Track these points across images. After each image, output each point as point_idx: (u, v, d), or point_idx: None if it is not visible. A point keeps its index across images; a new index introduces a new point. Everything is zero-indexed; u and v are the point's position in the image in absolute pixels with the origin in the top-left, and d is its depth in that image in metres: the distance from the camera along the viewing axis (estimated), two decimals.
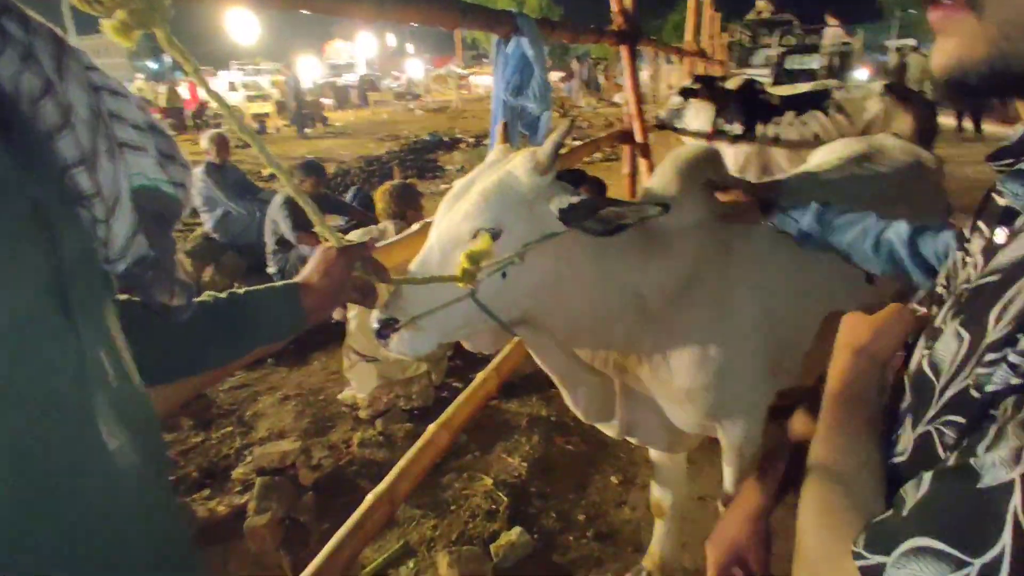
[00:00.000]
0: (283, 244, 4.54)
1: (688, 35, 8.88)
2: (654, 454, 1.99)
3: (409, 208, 3.49)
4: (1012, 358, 0.48)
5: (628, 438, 1.80)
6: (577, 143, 4.68)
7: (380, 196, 3.51)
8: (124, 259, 0.63)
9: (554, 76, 22.27)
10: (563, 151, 3.55)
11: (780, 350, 1.66)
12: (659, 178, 1.67)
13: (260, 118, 17.84)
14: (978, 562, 0.43)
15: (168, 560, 0.64)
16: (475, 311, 1.31)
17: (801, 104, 3.93)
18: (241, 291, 0.98)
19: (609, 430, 1.76)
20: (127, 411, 0.59)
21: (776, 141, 3.88)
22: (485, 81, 22.02)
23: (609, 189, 3.69)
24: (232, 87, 20.32)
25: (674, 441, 1.80)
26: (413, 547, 2.28)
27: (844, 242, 1.36)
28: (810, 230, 1.40)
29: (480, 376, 2.32)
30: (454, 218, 1.34)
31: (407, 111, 21.61)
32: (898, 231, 1.25)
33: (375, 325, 1.30)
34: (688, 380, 1.57)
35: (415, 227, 2.05)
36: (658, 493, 2.02)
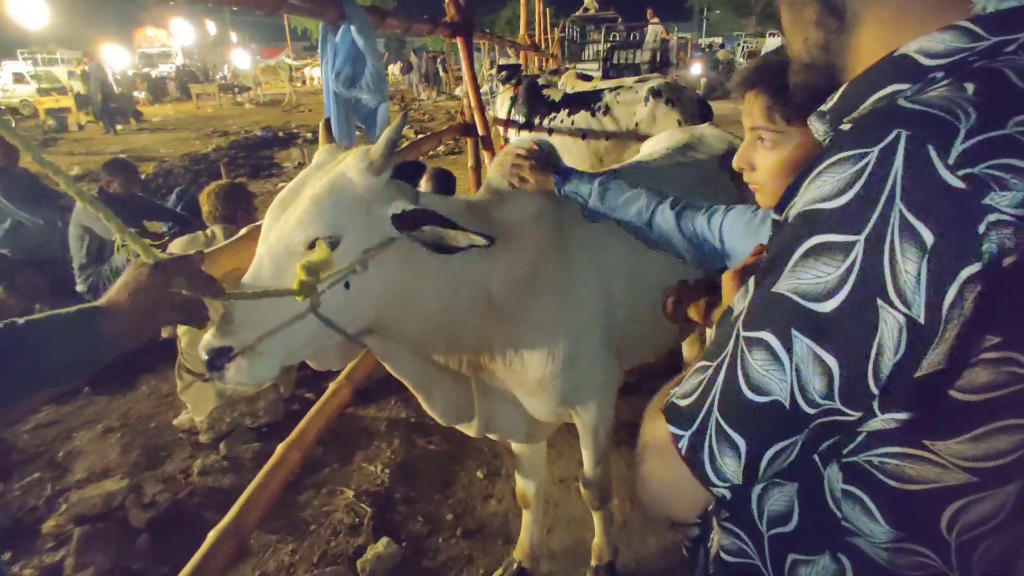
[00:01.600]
0: (94, 258, 4.01)
1: (522, 29, 9.09)
2: (515, 446, 2.00)
3: (239, 210, 3.21)
4: (773, 216, 0.68)
5: (488, 435, 1.79)
6: (420, 136, 4.61)
7: (206, 198, 3.19)
8: None
9: (393, 69, 21.85)
10: (403, 145, 3.46)
11: (622, 332, 1.73)
12: (494, 173, 1.66)
13: (58, 114, 15.67)
14: (713, 364, 0.62)
15: None
16: (319, 327, 1.21)
17: (574, 104, 4.48)
18: (21, 321, 0.82)
19: (468, 430, 1.73)
20: None
21: (550, 133, 4.49)
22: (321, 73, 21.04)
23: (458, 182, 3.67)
24: (18, 79, 17.69)
25: (532, 431, 1.82)
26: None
27: (625, 220, 1.46)
28: (594, 207, 1.48)
29: (332, 386, 2.19)
30: (284, 227, 1.22)
31: (235, 105, 20.11)
32: (664, 213, 1.39)
33: (205, 356, 1.16)
34: (540, 370, 1.58)
35: (244, 231, 1.87)
36: (522, 484, 2.04)
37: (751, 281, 0.62)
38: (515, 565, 2.06)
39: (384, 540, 2.18)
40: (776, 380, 0.55)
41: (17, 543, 2.29)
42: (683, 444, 0.62)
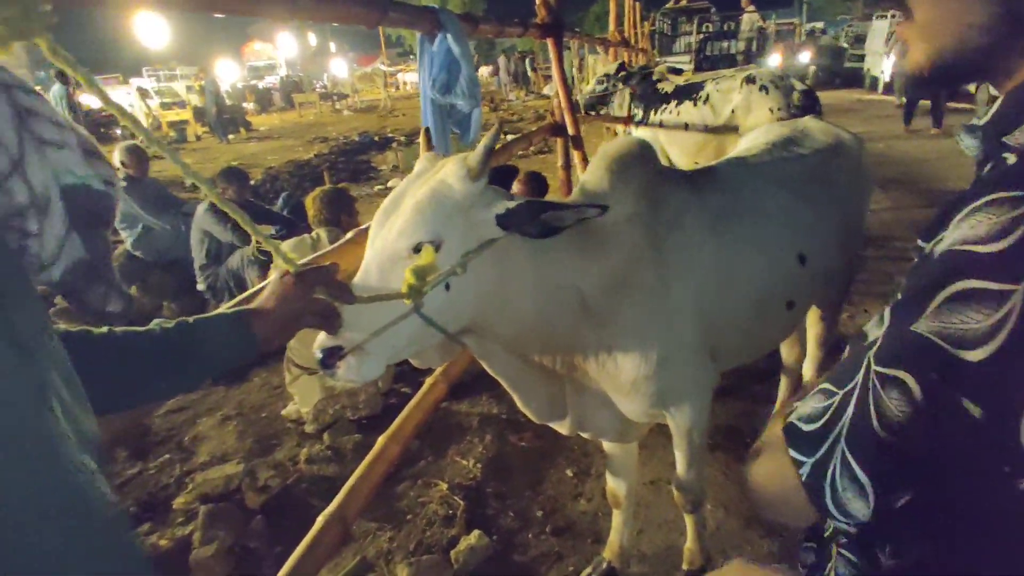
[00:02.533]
0: (213, 259, 4.35)
1: (611, 25, 9.00)
2: (607, 445, 2.01)
3: (343, 214, 3.40)
4: (919, 243, 0.62)
5: (580, 433, 1.81)
6: (510, 137, 4.68)
7: (311, 203, 3.40)
8: (58, 263, 0.60)
9: (483, 71, 22.21)
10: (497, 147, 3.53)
11: (718, 333, 1.70)
12: (591, 174, 1.68)
13: (178, 126, 17.06)
14: (841, 392, 0.59)
15: None
16: (422, 327, 1.28)
17: (682, 95, 4.46)
18: (191, 320, 0.92)
19: (561, 428, 1.76)
20: (89, 441, 0.55)
21: (660, 126, 4.49)
22: (414, 78, 21.74)
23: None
24: (144, 94, 19.35)
25: (625, 431, 1.82)
26: (371, 561, 2.23)
27: None
28: None
29: (428, 382, 2.29)
30: (388, 235, 1.30)
31: (334, 112, 21.12)
32: None
33: (319, 355, 1.25)
34: (633, 372, 1.58)
35: (349, 235, 1.99)
36: (613, 483, 2.04)
37: (887, 311, 0.59)
38: (604, 564, 2.07)
39: (476, 533, 2.25)
40: (911, 425, 0.52)
41: (153, 516, 2.54)
42: (804, 471, 0.61)
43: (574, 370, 1.65)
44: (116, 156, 5.07)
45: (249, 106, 21.76)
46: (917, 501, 0.56)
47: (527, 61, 21.09)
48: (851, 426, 0.57)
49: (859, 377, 0.58)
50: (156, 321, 0.89)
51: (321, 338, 1.25)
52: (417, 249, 1.27)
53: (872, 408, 0.55)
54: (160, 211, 4.98)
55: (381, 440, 1.91)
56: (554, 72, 4.04)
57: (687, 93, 4.43)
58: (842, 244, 2.04)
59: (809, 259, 1.86)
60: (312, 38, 41.52)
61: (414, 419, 2.04)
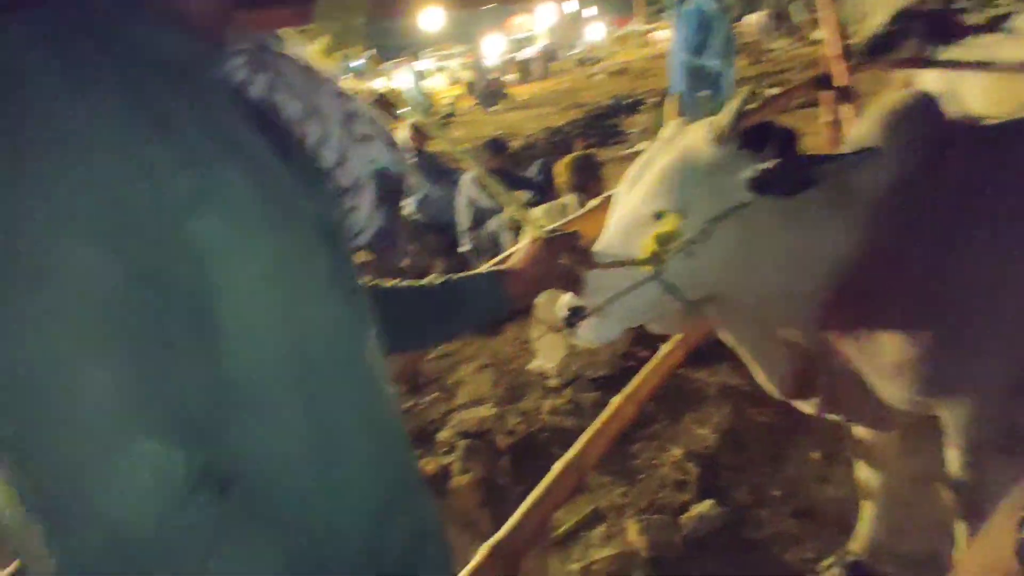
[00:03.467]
0: (475, 223, 4.83)
1: None
2: (861, 430, 1.84)
3: (590, 180, 3.51)
4: None
5: (829, 415, 1.68)
6: (769, 94, 4.33)
7: (560, 170, 3.58)
8: (366, 232, 0.77)
9: (752, 18, 20.49)
10: (752, 106, 3.31)
11: (1017, 322, 1.42)
12: (860, 129, 1.51)
13: (451, 102, 18.94)
14: None
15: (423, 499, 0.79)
16: (661, 294, 1.30)
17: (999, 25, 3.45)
18: (454, 278, 1.08)
19: (807, 407, 1.66)
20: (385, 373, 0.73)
21: (963, 65, 3.43)
22: (668, 35, 21.00)
23: (805, 139, 3.37)
24: (427, 74, 21.72)
25: (883, 418, 1.65)
26: (603, 512, 2.36)
27: None
28: None
29: (665, 347, 2.30)
30: (633, 200, 1.34)
31: (588, 77, 21.45)
32: None
33: (563, 313, 1.35)
34: (898, 354, 1.42)
35: (594, 202, 2.07)
36: (865, 472, 1.87)
37: None
38: (851, 557, 1.92)
39: (709, 501, 2.23)
40: None
41: (421, 445, 2.99)
42: None
43: (825, 346, 1.53)
44: (404, 131, 5.84)
45: (510, 77, 23.12)
46: None
47: (792, 4, 18.92)
48: None
49: None
50: (429, 277, 1.07)
51: (566, 298, 1.35)
52: (660, 216, 1.29)
53: None
54: (436, 180, 5.66)
55: (617, 399, 1.99)
56: (824, 11, 3.59)
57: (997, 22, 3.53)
58: None
59: None
60: (571, 4, 42.29)
61: (650, 382, 2.09)
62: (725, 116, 1.26)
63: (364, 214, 0.76)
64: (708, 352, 3.13)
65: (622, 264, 1.29)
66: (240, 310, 0.55)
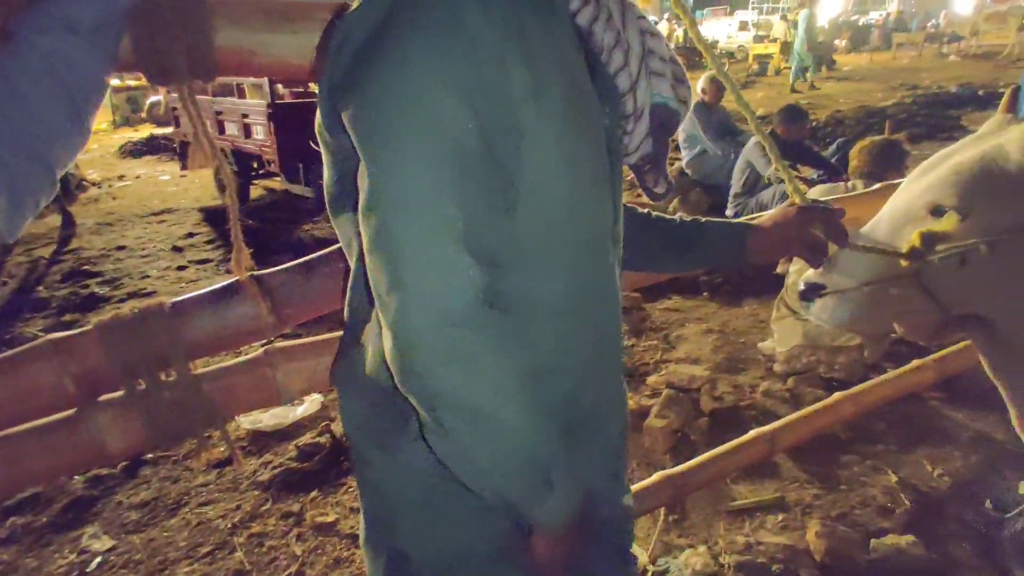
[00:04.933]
0: (747, 190, 4.63)
1: None
2: None
3: (890, 170, 3.14)
4: None
5: None
6: None
7: (857, 153, 3.25)
8: (636, 153, 0.91)
9: None
10: None
11: None
12: None
13: (764, 59, 17.56)
14: None
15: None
16: (915, 294, 1.22)
17: None
18: (703, 219, 1.17)
19: None
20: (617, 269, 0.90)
21: None
22: None
23: None
24: (743, 26, 20.36)
25: None
26: (787, 504, 2.28)
27: None
28: None
29: (915, 362, 2.08)
30: (915, 190, 1.25)
31: (938, 56, 18.21)
32: None
33: (802, 286, 1.33)
34: None
35: (877, 186, 1.91)
36: None
37: None
38: None
39: (910, 538, 2.03)
40: None
41: (631, 383, 3.13)
42: None
43: None
44: (699, 83, 5.71)
45: (841, 43, 20.61)
46: None
47: None
48: None
49: None
50: (679, 214, 1.16)
51: (809, 273, 1.33)
52: (938, 213, 1.20)
53: None
54: (718, 137, 5.48)
55: (837, 395, 1.90)
56: None
57: None
58: None
59: None
60: None
61: (882, 391, 1.94)
62: None
63: (639, 138, 0.88)
64: (979, 394, 2.73)
65: (878, 250, 1.22)
66: (539, 181, 0.70)
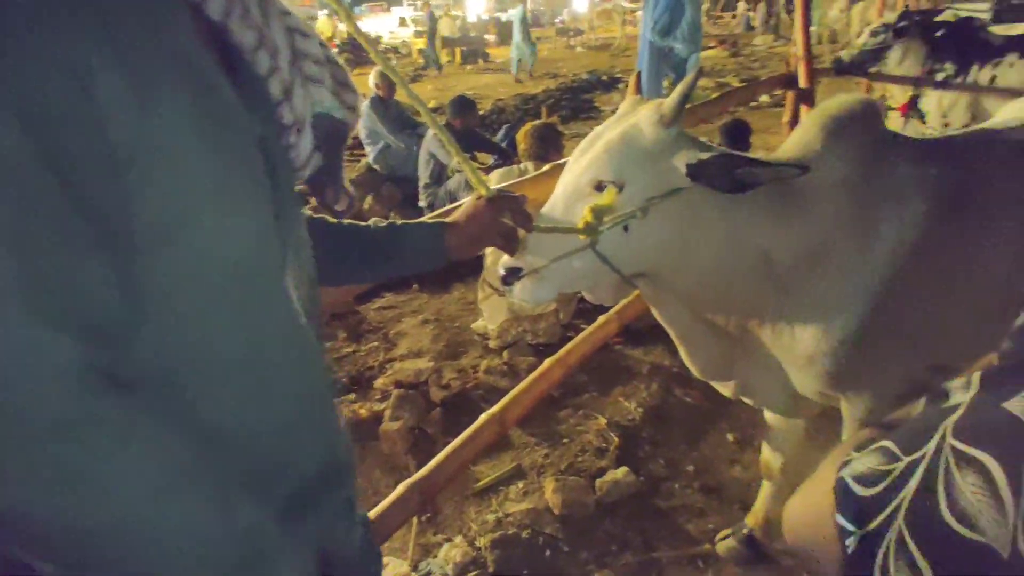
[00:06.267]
0: (435, 179, 4.80)
1: None
2: (769, 415, 1.95)
3: (551, 149, 3.53)
4: None
5: (743, 398, 1.78)
6: (741, 85, 4.40)
7: (522, 136, 3.58)
8: (306, 169, 0.79)
9: (742, 7, 20.50)
10: (713, 96, 3.37)
11: (926, 326, 1.52)
12: (802, 131, 1.57)
13: (427, 53, 18.42)
14: (905, 459, 0.51)
15: (336, 434, 0.81)
16: (595, 263, 1.34)
17: None
18: (398, 223, 1.11)
19: (724, 389, 1.75)
20: (307, 298, 0.75)
21: (990, 85, 3.43)
22: None
23: (769, 137, 3.46)
24: (402, 23, 21.07)
25: (791, 406, 1.76)
26: (524, 470, 2.45)
27: None
28: None
29: (601, 319, 2.38)
30: (577, 169, 1.37)
31: (568, 48, 21.23)
32: None
33: (501, 272, 1.38)
34: (811, 346, 1.51)
35: (546, 168, 2.11)
36: (769, 454, 1.99)
37: (976, 376, 0.50)
38: (745, 531, 2.05)
39: (624, 469, 2.34)
40: (992, 520, 0.44)
41: (358, 390, 3.02)
42: (850, 543, 0.52)
43: (747, 333, 1.61)
44: (371, 78, 5.71)
45: (491, 38, 22.69)
46: None
47: (781, 2, 19.10)
48: (914, 504, 0.49)
49: (930, 446, 0.49)
50: (373, 220, 1.09)
51: (506, 258, 1.38)
52: (600, 188, 1.33)
53: (942, 488, 0.47)
54: (398, 131, 5.57)
55: (547, 362, 2.06)
56: (797, 14, 3.68)
57: None
58: None
59: None
60: None
61: (581, 349, 2.16)
62: (672, 99, 1.30)
63: (305, 152, 0.77)
64: (646, 332, 3.25)
65: (558, 230, 1.33)
66: (161, 215, 0.55)
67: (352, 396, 2.96)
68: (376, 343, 3.50)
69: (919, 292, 1.48)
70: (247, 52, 0.66)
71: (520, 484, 2.38)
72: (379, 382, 3.05)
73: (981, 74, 3.49)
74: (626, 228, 1.33)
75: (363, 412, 2.82)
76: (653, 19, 2.33)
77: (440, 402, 2.85)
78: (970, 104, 3.52)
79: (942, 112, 3.58)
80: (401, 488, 1.53)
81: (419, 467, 1.72)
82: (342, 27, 19.11)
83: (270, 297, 0.68)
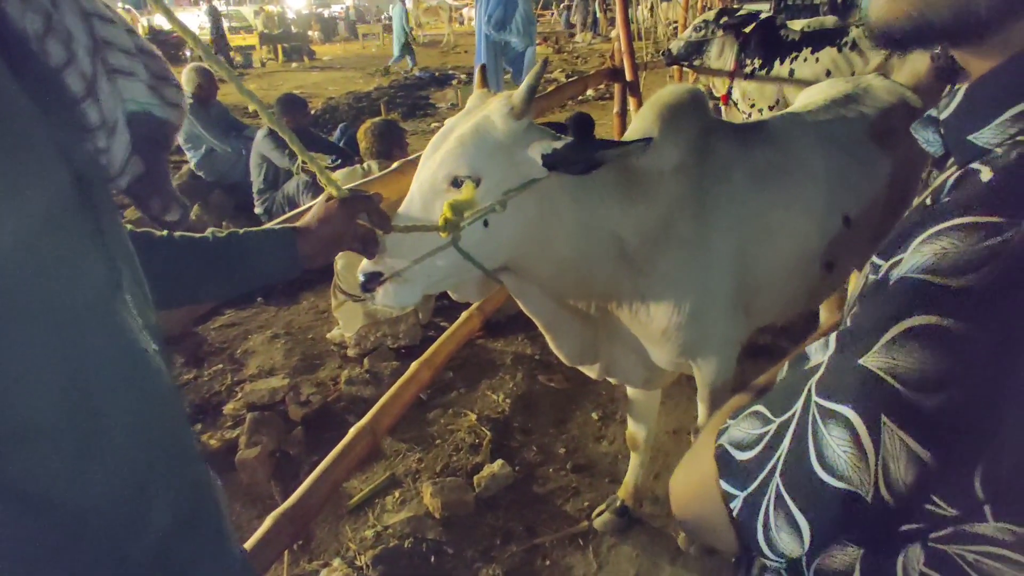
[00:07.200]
0: (269, 184, 4.49)
1: None
2: (630, 390, 2.06)
3: (394, 147, 3.45)
4: (875, 260, 0.54)
5: (608, 378, 1.86)
6: (568, 80, 4.59)
7: (363, 135, 3.46)
8: (124, 176, 0.67)
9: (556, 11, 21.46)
10: (549, 89, 3.49)
11: (754, 290, 1.70)
12: (640, 121, 1.66)
13: (245, 51, 17.25)
14: (777, 420, 0.53)
15: (194, 467, 0.70)
16: (459, 261, 1.31)
17: (817, 41, 3.92)
18: (240, 232, 1.00)
19: (590, 371, 1.81)
20: (150, 322, 0.63)
21: (791, 78, 3.92)
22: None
23: (599, 128, 3.62)
24: (216, 17, 19.49)
25: (650, 378, 1.86)
26: (399, 478, 2.37)
27: None
28: None
29: (463, 315, 2.37)
30: (431, 165, 1.33)
31: None
32: None
33: (361, 278, 1.31)
34: (665, 321, 1.61)
35: (396, 165, 2.04)
36: (633, 427, 2.10)
37: (833, 336, 0.53)
38: (618, 503, 2.15)
39: (500, 462, 2.36)
40: (855, 468, 0.47)
41: (204, 419, 2.75)
42: (735, 505, 0.54)
43: (608, 316, 1.68)
44: (183, 76, 5.20)
45: (314, 35, 21.75)
46: (857, 543, 0.54)
47: (596, 2, 20.30)
48: (787, 463, 0.51)
49: (798, 406, 0.52)
50: (210, 230, 0.97)
51: (364, 263, 1.31)
52: (457, 184, 1.30)
53: (811, 444, 0.50)
54: (223, 134, 5.13)
55: (415, 365, 2.01)
56: (617, 14, 3.92)
57: (824, 39, 3.91)
58: (895, 208, 1.98)
59: (854, 221, 1.82)
60: None
61: (447, 348, 2.13)
62: (521, 91, 1.31)
63: (120, 157, 0.66)
64: (506, 324, 3.30)
65: (418, 229, 1.28)
66: None
67: (199, 427, 2.69)
68: (221, 365, 3.21)
69: (748, 259, 1.65)
70: (33, 40, 0.55)
71: (396, 493, 2.30)
72: (229, 407, 2.80)
73: (782, 68, 3.99)
74: (486, 223, 1.32)
75: (214, 442, 2.57)
76: (487, 13, 2.34)
77: (301, 420, 2.67)
78: (774, 92, 4.01)
79: (749, 100, 4.03)
80: (269, 521, 1.41)
81: (286, 494, 1.60)
82: (143, 21, 17.30)
83: (98, 330, 0.56)
